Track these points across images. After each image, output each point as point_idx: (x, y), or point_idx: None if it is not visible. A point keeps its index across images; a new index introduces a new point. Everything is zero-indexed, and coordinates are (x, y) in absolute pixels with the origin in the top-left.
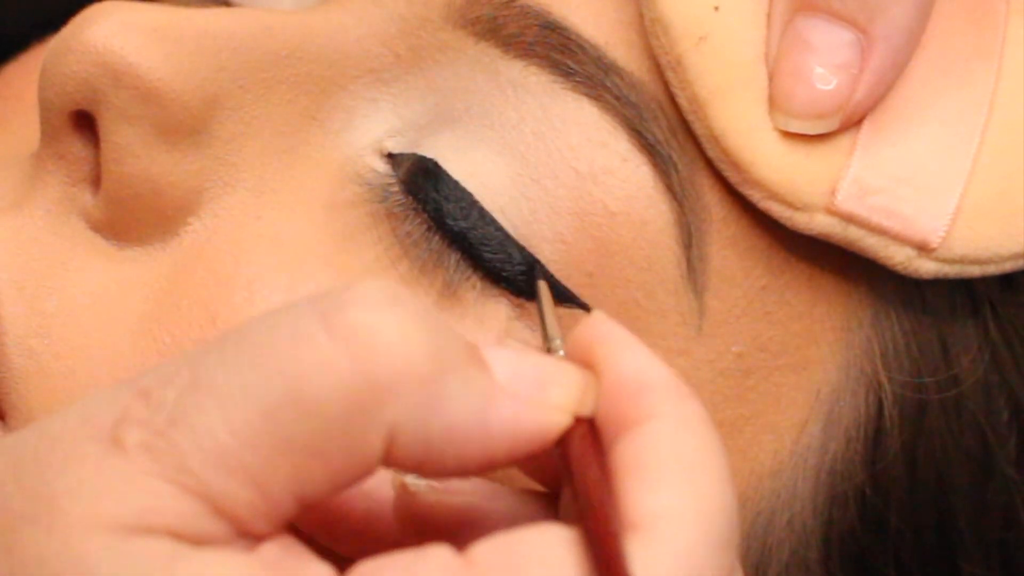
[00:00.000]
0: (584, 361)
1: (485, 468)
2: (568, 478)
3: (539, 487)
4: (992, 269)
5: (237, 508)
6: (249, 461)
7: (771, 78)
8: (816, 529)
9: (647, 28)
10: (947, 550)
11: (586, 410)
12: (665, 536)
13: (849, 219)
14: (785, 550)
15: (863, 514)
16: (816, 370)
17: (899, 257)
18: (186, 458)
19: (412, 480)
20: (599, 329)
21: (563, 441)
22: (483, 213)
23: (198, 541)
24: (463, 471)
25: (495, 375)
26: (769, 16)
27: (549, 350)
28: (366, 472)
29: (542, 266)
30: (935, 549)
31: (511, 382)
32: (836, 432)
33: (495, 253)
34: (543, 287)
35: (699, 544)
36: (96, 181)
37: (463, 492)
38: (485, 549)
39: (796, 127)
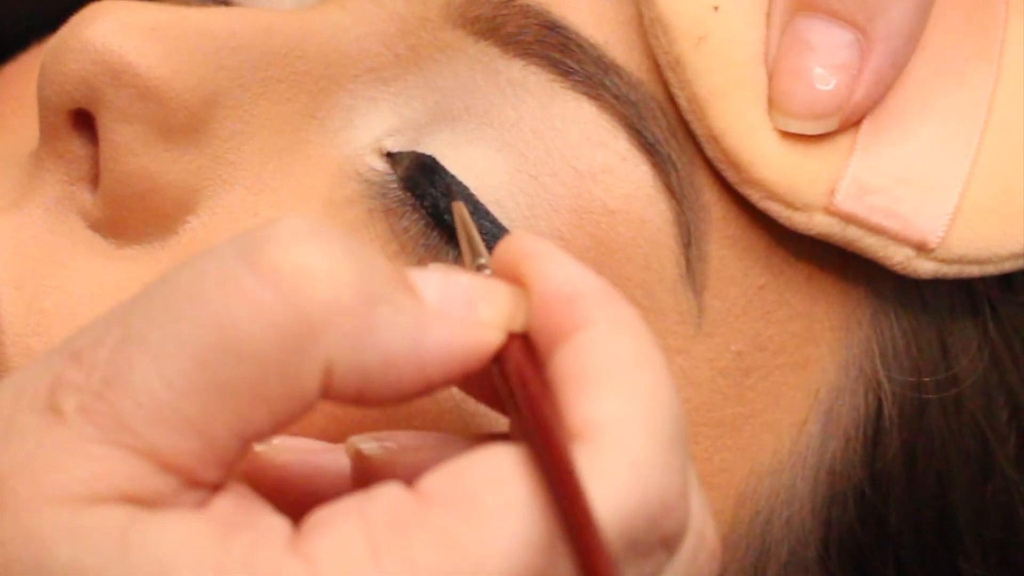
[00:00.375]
0: (511, 277)
1: (423, 391)
2: (509, 396)
3: (492, 411)
4: (991, 269)
5: (183, 459)
6: (189, 411)
7: (770, 78)
8: (815, 528)
9: (646, 28)
10: (946, 549)
11: (518, 324)
12: (613, 443)
13: (848, 219)
14: (784, 549)
15: (862, 513)
16: (815, 369)
17: (898, 257)
18: (125, 417)
19: (366, 445)
20: (523, 244)
21: (499, 359)
22: (479, 207)
23: (150, 501)
24: (402, 397)
25: (424, 299)
26: (768, 16)
27: (478, 270)
28: (307, 407)
29: (458, 192)
30: (934, 548)
31: (441, 304)
32: (835, 431)
33: (491, 248)
34: (459, 208)
35: (648, 446)
36: (95, 180)
37: (417, 448)
38: (435, 479)
39: (795, 127)
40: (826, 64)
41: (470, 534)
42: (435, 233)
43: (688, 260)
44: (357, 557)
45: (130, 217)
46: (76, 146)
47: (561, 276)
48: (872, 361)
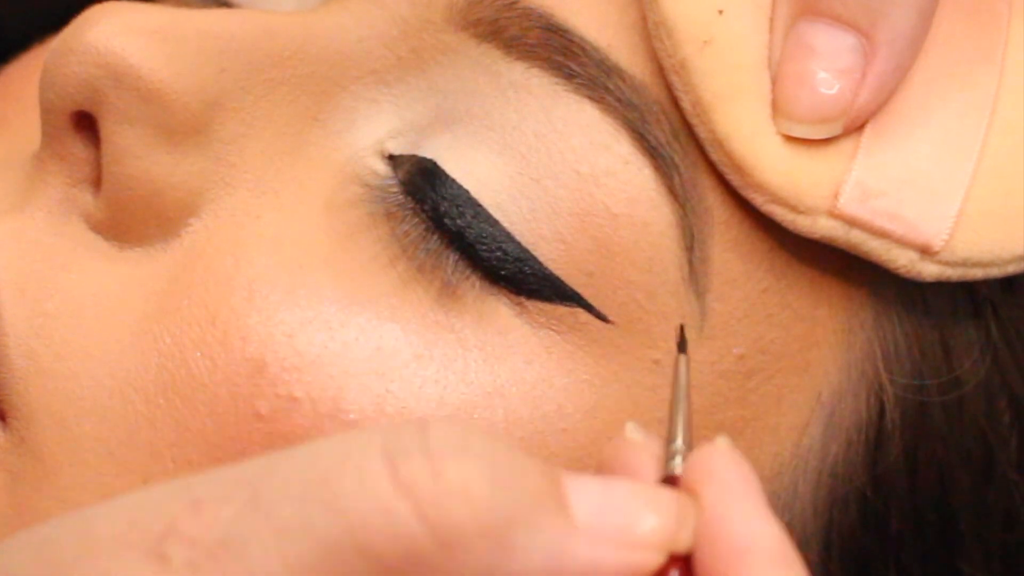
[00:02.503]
0: (691, 491)
1: None
2: None
3: None
4: (994, 272)
5: None
6: None
7: (774, 82)
8: (816, 531)
9: (651, 31)
10: (948, 552)
11: (681, 547)
12: None
13: (852, 222)
14: None
15: (864, 516)
16: (817, 372)
17: (902, 260)
18: None
19: None
20: (718, 462)
21: None
22: (479, 210)
23: None
24: None
25: (574, 514)
26: (772, 20)
27: (669, 454)
28: None
29: (684, 336)
30: (936, 551)
31: (593, 519)
32: (837, 434)
33: (492, 252)
34: (682, 363)
35: None
36: (97, 182)
37: None
38: None
39: (799, 131)
40: (830, 68)
41: None
42: (435, 237)
43: (691, 263)
44: None
45: (132, 219)
46: (78, 148)
47: (742, 520)
48: (874, 364)
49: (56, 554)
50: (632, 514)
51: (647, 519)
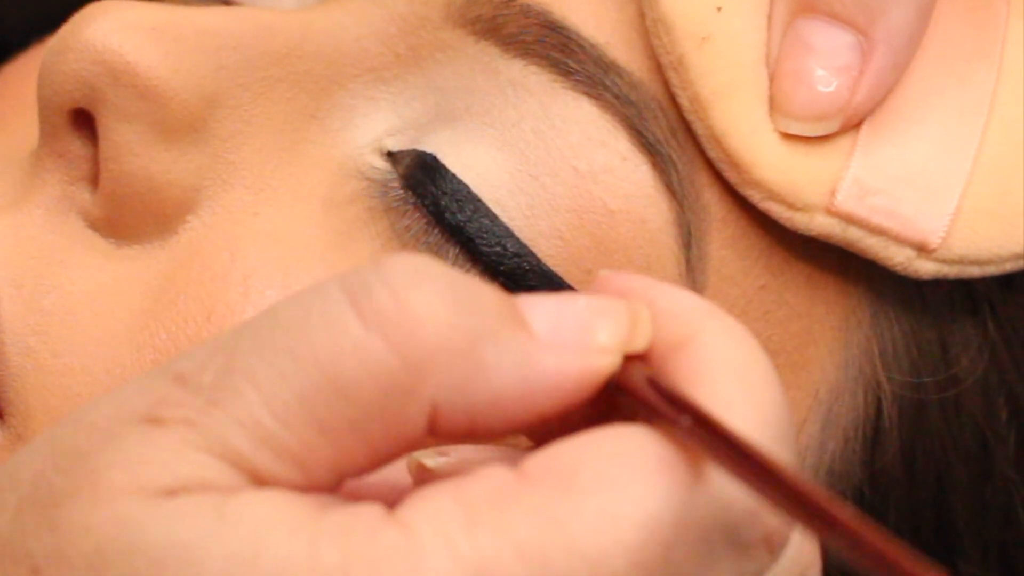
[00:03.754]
0: None
1: (537, 423)
2: (637, 408)
3: None
4: (992, 270)
5: (280, 484)
6: (289, 442)
7: (772, 80)
8: None
9: (649, 28)
10: (945, 550)
11: (639, 345)
12: None
13: (849, 220)
14: None
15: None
16: (815, 370)
17: (899, 258)
18: (229, 435)
19: (430, 461)
20: (616, 280)
21: (618, 380)
22: (478, 205)
23: None
24: (514, 429)
25: (534, 329)
26: (770, 17)
27: None
28: (410, 446)
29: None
30: (933, 549)
31: (553, 332)
32: (834, 432)
33: (491, 247)
34: None
35: (761, 439)
36: (95, 179)
37: (479, 461)
38: (540, 458)
39: (796, 129)
40: (827, 66)
41: (572, 509)
42: (436, 231)
43: (688, 260)
44: (452, 525)
45: (130, 217)
46: (76, 146)
47: (663, 296)
48: (872, 361)
49: (53, 445)
50: (588, 322)
51: (602, 325)
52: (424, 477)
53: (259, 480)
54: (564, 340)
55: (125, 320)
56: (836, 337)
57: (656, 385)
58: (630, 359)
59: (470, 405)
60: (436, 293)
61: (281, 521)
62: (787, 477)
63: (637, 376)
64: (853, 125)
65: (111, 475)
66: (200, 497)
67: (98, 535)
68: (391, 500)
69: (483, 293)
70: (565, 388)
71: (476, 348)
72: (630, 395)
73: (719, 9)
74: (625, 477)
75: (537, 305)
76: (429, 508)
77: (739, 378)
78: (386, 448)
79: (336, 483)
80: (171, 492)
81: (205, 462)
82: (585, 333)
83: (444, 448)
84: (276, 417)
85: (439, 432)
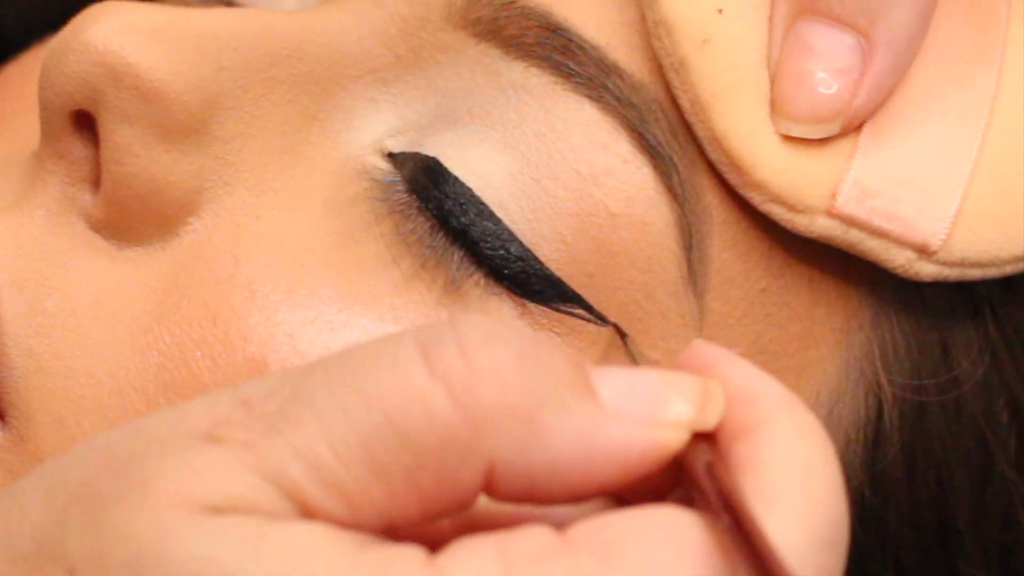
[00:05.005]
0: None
1: (597, 493)
2: (698, 492)
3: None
4: (992, 272)
5: (326, 518)
6: (344, 478)
7: (773, 82)
8: None
9: (650, 30)
10: (946, 552)
11: (709, 423)
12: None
13: (850, 222)
14: None
15: (862, 516)
16: (816, 372)
17: (900, 260)
18: (285, 463)
19: None
20: (702, 352)
21: (681, 458)
22: (482, 208)
23: None
24: (575, 497)
25: (603, 397)
26: (771, 19)
27: None
28: (463, 505)
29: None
30: (934, 551)
31: (620, 402)
32: (835, 434)
33: (494, 250)
34: (631, 343)
35: (806, 544)
36: (96, 181)
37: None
38: (587, 525)
39: (797, 131)
40: (828, 68)
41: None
42: (440, 235)
43: (690, 263)
44: None
45: (131, 218)
46: (77, 147)
47: (743, 378)
48: (873, 363)
49: (109, 449)
50: (660, 395)
51: (674, 400)
52: (465, 523)
53: (307, 511)
54: (633, 411)
55: (128, 322)
56: (837, 339)
57: (712, 473)
58: (697, 437)
59: (529, 468)
60: (505, 355)
61: (321, 553)
62: None
63: (699, 457)
64: (854, 127)
65: (161, 484)
66: (245, 519)
67: (139, 542)
68: (431, 540)
69: (553, 359)
70: (629, 460)
71: (538, 412)
72: (687, 477)
73: (720, 11)
74: (665, 561)
75: (609, 375)
76: (471, 560)
77: (798, 478)
78: (438, 501)
79: (382, 528)
80: (218, 509)
81: (257, 485)
82: (656, 407)
83: None
84: (334, 451)
85: (497, 493)
